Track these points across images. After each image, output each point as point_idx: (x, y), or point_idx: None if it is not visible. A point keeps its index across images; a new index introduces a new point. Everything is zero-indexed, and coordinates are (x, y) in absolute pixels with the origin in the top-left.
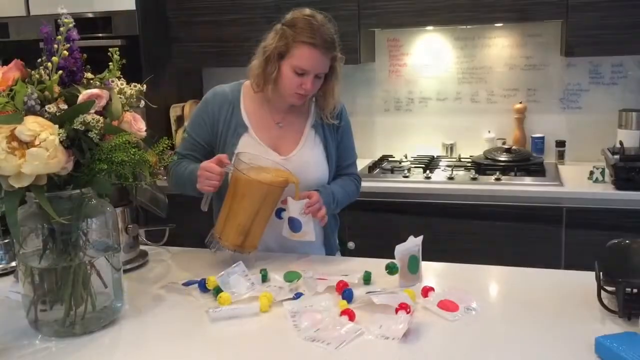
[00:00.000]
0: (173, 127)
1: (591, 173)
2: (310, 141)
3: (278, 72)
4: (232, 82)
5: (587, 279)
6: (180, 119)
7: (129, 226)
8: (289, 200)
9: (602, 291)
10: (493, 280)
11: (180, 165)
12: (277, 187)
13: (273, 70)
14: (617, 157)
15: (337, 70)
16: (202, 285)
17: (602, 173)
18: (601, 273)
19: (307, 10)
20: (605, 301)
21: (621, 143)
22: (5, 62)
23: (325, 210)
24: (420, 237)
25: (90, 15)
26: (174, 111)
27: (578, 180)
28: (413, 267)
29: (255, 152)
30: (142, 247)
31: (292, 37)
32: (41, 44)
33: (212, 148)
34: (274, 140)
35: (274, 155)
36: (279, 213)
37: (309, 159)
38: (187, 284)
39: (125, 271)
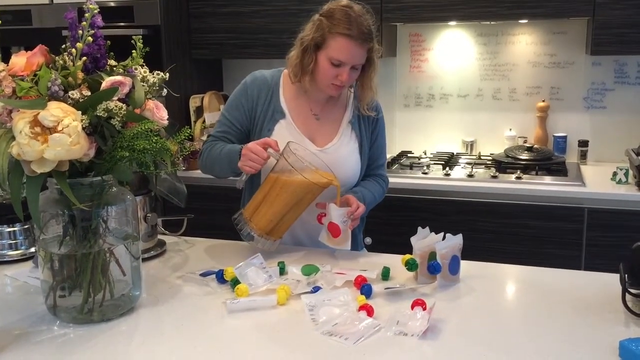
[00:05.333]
0: (192, 118)
1: (614, 174)
2: (346, 136)
3: (315, 63)
4: (272, 69)
5: (610, 281)
6: (199, 110)
7: (148, 215)
8: (330, 206)
9: (626, 294)
10: (513, 280)
11: (216, 146)
12: (318, 187)
13: (310, 62)
14: None
15: (374, 62)
16: (220, 276)
17: (626, 174)
18: (626, 275)
19: (344, 1)
20: (630, 304)
21: None
22: (28, 50)
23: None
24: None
25: (112, 4)
26: (194, 102)
27: (600, 180)
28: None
29: (291, 139)
30: (160, 237)
31: (329, 28)
32: (63, 32)
33: (247, 131)
34: (310, 130)
35: (310, 144)
36: (320, 218)
37: (343, 153)
38: (204, 275)
39: (143, 260)
